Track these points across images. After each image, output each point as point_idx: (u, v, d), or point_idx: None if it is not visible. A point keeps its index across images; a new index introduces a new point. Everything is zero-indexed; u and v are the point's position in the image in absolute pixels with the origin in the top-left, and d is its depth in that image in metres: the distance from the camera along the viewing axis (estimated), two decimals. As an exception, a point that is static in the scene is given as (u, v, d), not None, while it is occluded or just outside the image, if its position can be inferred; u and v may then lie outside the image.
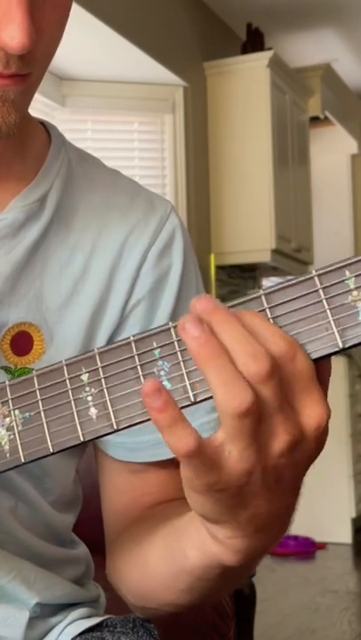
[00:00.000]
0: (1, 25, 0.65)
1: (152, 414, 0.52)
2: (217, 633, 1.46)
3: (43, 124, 0.88)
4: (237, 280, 5.09)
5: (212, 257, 4.55)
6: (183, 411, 0.55)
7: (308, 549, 4.25)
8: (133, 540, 0.79)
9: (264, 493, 0.56)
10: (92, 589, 0.93)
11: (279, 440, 0.54)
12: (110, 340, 0.83)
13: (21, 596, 0.81)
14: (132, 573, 0.79)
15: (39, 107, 3.90)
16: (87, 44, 3.72)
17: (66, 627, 0.84)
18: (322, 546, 4.36)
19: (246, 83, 4.65)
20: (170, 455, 0.83)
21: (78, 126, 4.22)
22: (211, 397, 0.55)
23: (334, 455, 4.51)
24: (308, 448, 0.55)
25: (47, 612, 0.84)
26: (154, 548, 0.74)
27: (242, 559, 0.62)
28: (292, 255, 4.97)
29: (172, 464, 0.84)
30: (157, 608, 0.78)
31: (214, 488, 0.55)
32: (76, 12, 3.32)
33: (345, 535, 4.50)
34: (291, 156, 4.97)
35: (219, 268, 4.65)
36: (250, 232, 4.60)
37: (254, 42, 4.84)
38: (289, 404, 0.53)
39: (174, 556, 0.70)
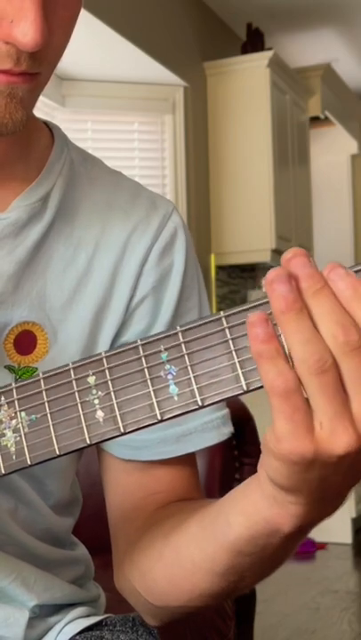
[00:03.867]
0: (14, 21, 0.66)
1: (255, 345, 0.52)
2: (217, 633, 1.46)
3: (46, 124, 0.88)
4: (237, 280, 5.09)
5: (212, 257, 4.55)
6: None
7: (308, 549, 4.25)
8: (158, 535, 0.77)
9: (345, 473, 0.56)
10: (92, 589, 0.93)
11: None
12: (115, 338, 0.83)
13: (21, 598, 0.81)
14: (159, 568, 0.76)
15: (39, 107, 3.87)
16: (87, 44, 3.71)
17: (65, 626, 0.84)
18: (322, 546, 4.36)
19: (246, 83, 4.64)
20: (176, 453, 0.83)
21: (78, 126, 4.22)
22: (217, 402, 0.56)
23: (334, 455, 4.51)
24: None
25: (47, 612, 0.84)
26: (187, 534, 0.73)
27: (297, 524, 0.61)
28: (292, 255, 4.96)
29: (180, 462, 0.84)
30: (183, 605, 0.75)
31: (306, 458, 0.54)
32: (77, 12, 3.31)
33: (345, 535, 4.49)
34: (291, 156, 4.97)
35: (219, 267, 4.65)
36: (250, 232, 4.60)
37: (254, 42, 4.84)
38: None
39: (215, 533, 0.68)
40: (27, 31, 0.65)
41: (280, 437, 0.54)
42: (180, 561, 0.73)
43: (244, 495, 0.64)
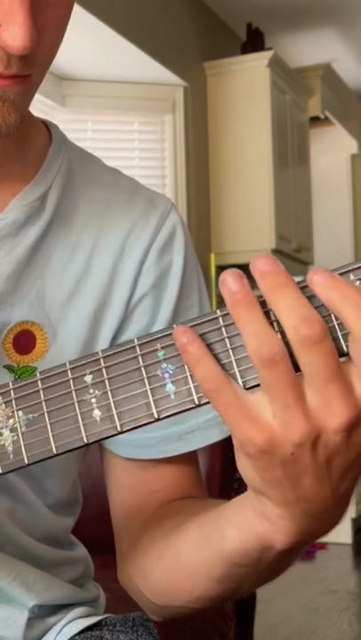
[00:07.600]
0: (2, 25, 0.65)
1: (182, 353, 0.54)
2: (217, 633, 1.46)
3: (44, 123, 0.88)
4: (237, 280, 5.08)
5: (212, 257, 4.55)
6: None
7: (308, 549, 4.25)
8: (159, 535, 0.77)
9: (314, 472, 0.55)
10: (92, 589, 0.93)
11: (335, 415, 0.52)
12: (115, 336, 0.83)
13: (20, 598, 0.81)
14: (159, 569, 0.76)
15: (39, 107, 3.90)
16: (87, 44, 3.71)
17: (64, 626, 0.84)
18: (322, 546, 4.36)
19: (246, 83, 4.64)
20: (179, 451, 0.84)
21: (78, 126, 4.22)
22: None
23: (334, 455, 4.50)
24: None
25: (46, 612, 0.84)
26: (186, 538, 0.73)
27: (289, 541, 0.60)
28: (292, 255, 4.97)
29: (183, 460, 0.84)
30: (183, 606, 0.76)
31: (260, 448, 0.54)
32: (76, 11, 3.30)
33: (345, 535, 4.49)
34: (291, 155, 4.97)
35: (219, 267, 4.65)
36: (250, 232, 4.60)
37: (254, 42, 4.84)
38: (348, 380, 0.52)
39: (211, 543, 0.68)
40: (15, 35, 0.64)
41: (230, 428, 0.55)
42: (180, 563, 0.73)
43: (239, 511, 0.64)
